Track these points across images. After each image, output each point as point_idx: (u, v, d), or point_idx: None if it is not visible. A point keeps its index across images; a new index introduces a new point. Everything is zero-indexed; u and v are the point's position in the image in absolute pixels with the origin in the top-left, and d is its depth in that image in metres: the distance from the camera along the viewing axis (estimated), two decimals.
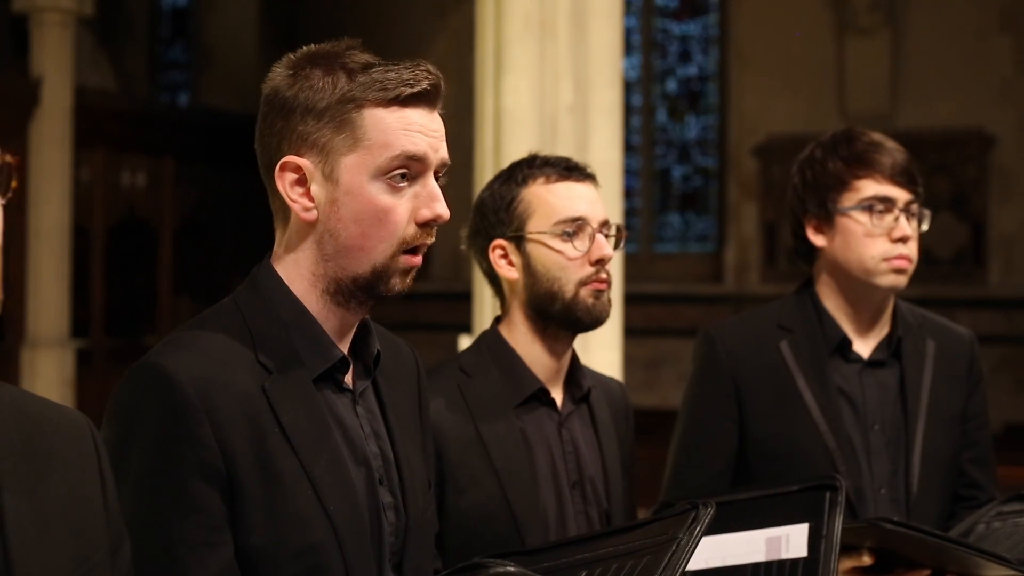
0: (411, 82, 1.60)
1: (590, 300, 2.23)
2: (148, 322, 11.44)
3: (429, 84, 1.61)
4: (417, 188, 1.62)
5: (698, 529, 1.71)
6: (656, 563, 1.67)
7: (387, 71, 1.60)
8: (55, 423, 1.36)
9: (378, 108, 1.59)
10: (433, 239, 1.64)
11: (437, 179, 1.64)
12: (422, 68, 1.61)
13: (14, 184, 1.21)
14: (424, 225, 1.62)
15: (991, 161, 10.40)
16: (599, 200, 2.28)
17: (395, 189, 1.60)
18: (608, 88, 4.68)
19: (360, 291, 1.62)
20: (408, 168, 1.60)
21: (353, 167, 1.59)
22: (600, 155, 4.60)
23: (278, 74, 1.63)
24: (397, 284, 1.63)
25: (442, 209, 1.62)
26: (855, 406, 2.46)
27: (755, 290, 10.80)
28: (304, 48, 1.65)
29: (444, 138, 1.64)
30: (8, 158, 1.21)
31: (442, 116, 1.65)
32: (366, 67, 1.60)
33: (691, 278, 11.60)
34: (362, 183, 1.59)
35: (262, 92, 1.64)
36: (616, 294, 4.54)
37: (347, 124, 1.59)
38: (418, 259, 1.64)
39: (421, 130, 1.61)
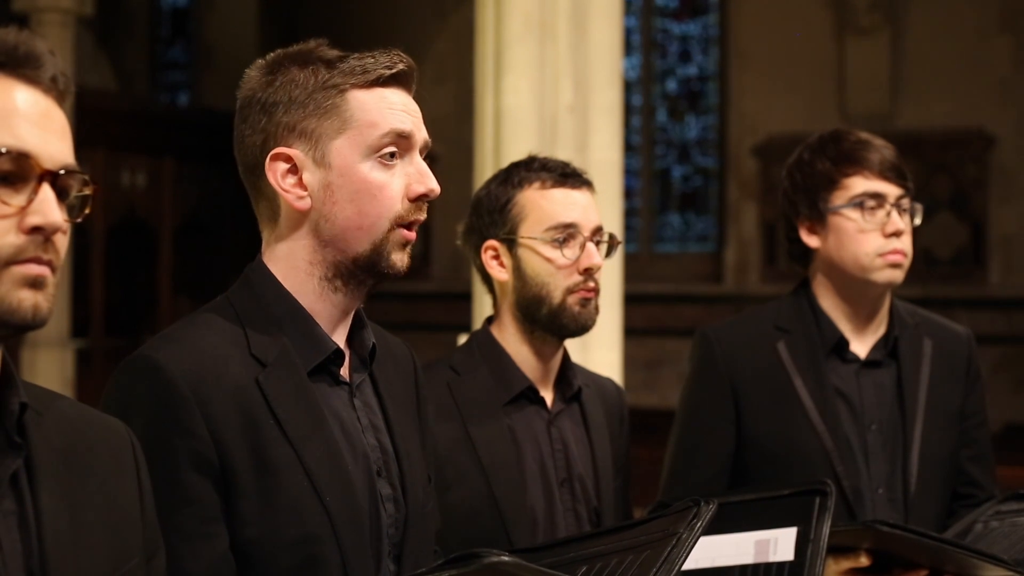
0: (388, 65, 1.66)
1: (577, 308, 2.24)
2: (148, 322, 11.43)
3: (405, 66, 1.67)
4: (406, 166, 1.66)
5: (699, 525, 1.72)
6: (655, 557, 1.67)
7: (363, 58, 1.66)
8: (97, 431, 1.40)
9: (360, 91, 1.64)
10: (425, 215, 1.68)
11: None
12: (395, 53, 1.68)
13: (88, 210, 1.28)
14: (416, 200, 1.66)
15: (991, 161, 10.39)
16: (593, 207, 2.29)
17: (386, 167, 1.64)
18: (608, 88, 4.68)
19: (361, 271, 1.65)
20: (397, 146, 1.65)
21: (344, 149, 1.63)
22: (600, 155, 4.61)
23: (252, 78, 1.67)
24: (396, 260, 1.65)
25: (433, 183, 1.67)
26: (852, 406, 2.46)
27: (755, 290, 10.79)
28: (273, 53, 1.69)
29: (422, 119, 1.69)
30: (88, 191, 1.28)
31: (423, 101, 1.71)
32: (342, 57, 1.66)
33: (691, 278, 11.59)
34: (354, 163, 1.63)
35: (237, 97, 1.68)
36: (616, 294, 4.55)
37: (332, 109, 1.63)
38: (413, 233, 1.67)
39: (403, 109, 1.66)
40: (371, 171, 1.63)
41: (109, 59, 12.86)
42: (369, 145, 1.63)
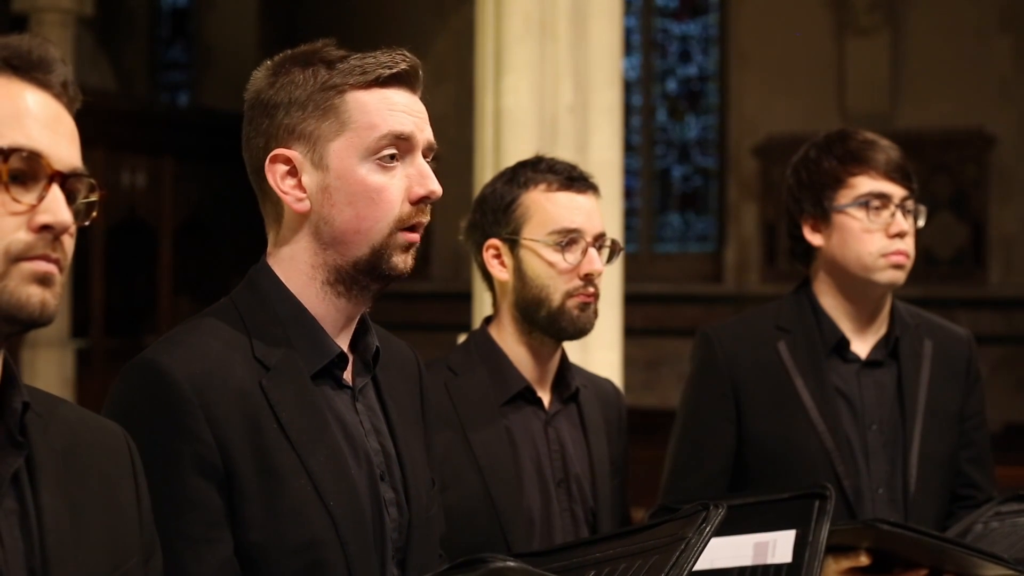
0: (389, 64, 1.63)
1: (576, 312, 2.25)
2: (148, 322, 11.42)
3: (407, 65, 1.65)
4: (407, 168, 1.64)
5: (708, 529, 1.71)
6: (664, 561, 1.67)
7: (364, 58, 1.64)
8: (95, 434, 1.41)
9: (359, 91, 1.62)
10: (428, 217, 1.66)
11: (427, 162, 1.66)
12: (399, 52, 1.65)
13: (94, 214, 1.31)
14: (417, 203, 1.64)
15: (991, 161, 10.39)
16: (597, 212, 2.29)
17: (385, 169, 1.62)
18: (608, 88, 4.68)
19: (362, 275, 1.63)
20: (396, 148, 1.63)
21: (342, 151, 1.61)
22: (600, 155, 4.61)
23: (259, 79, 1.66)
24: (399, 262, 1.64)
25: (434, 185, 1.64)
26: (853, 406, 2.47)
27: (755, 290, 10.79)
28: (280, 54, 1.68)
29: (428, 120, 1.67)
30: (94, 196, 1.31)
31: (424, 101, 1.68)
32: (343, 57, 1.64)
33: (691, 278, 11.59)
34: (352, 166, 1.61)
35: (245, 99, 1.66)
36: (616, 294, 4.55)
37: (331, 110, 1.61)
38: (416, 236, 1.65)
39: (405, 110, 1.64)
40: (369, 174, 1.61)
41: (109, 59, 12.85)
42: (367, 147, 1.61)
